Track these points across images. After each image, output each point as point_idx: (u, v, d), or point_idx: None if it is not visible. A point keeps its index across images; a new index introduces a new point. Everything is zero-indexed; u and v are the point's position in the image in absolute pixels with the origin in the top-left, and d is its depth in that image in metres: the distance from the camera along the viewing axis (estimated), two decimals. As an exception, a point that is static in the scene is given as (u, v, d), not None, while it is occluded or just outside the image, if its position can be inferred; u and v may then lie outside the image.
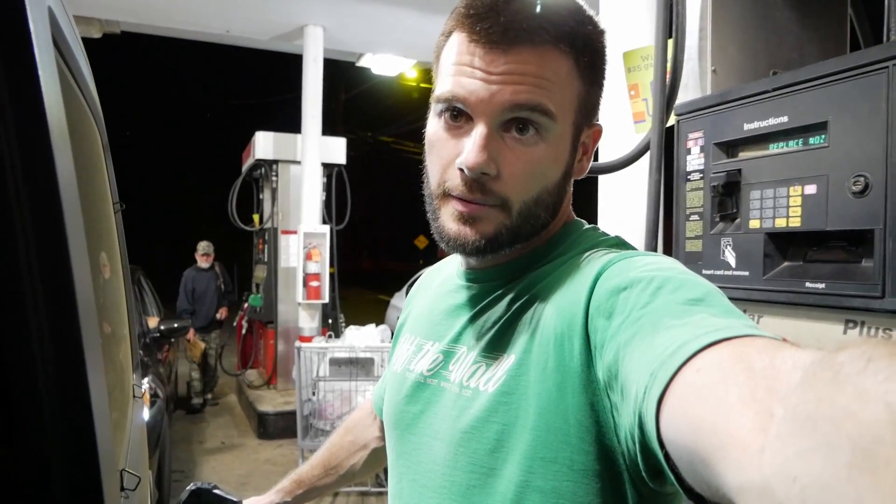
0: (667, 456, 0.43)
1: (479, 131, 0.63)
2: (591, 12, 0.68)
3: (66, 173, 0.52)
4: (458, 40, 0.65)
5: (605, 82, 0.72)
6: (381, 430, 1.01)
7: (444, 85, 0.65)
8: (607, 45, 0.71)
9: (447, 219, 0.67)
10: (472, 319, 0.72)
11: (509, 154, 0.64)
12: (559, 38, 0.63)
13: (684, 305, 0.50)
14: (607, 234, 0.73)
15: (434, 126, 0.68)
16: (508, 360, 0.65)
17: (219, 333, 6.61)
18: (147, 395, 3.35)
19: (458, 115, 0.65)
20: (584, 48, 0.65)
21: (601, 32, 0.69)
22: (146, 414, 3.18)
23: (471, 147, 0.63)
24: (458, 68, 0.64)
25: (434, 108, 0.68)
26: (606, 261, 0.62)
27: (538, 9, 0.63)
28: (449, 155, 0.66)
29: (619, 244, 0.70)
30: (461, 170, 0.64)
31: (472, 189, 0.64)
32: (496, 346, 0.67)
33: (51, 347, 0.44)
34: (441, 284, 0.83)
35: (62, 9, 0.74)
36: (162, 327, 4.49)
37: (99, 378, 0.53)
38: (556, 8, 0.64)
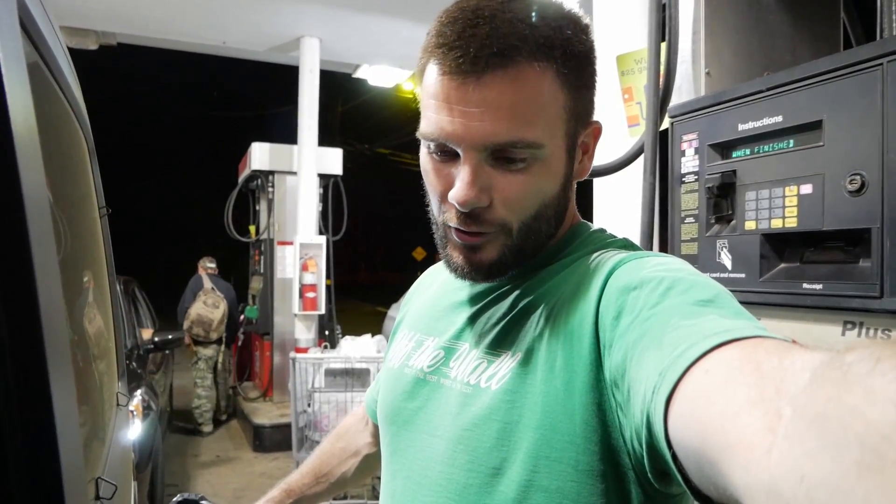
0: (674, 457, 0.43)
1: (465, 168, 0.62)
2: (569, 10, 0.65)
3: (32, 170, 0.50)
4: (433, 71, 0.62)
5: (598, 82, 0.70)
6: (374, 435, 0.99)
7: (426, 123, 0.64)
8: (596, 42, 0.68)
9: (452, 250, 0.68)
10: (475, 316, 0.72)
11: (501, 181, 0.63)
12: (534, 53, 0.59)
13: (694, 306, 0.50)
14: (615, 236, 0.73)
15: (425, 157, 0.67)
16: (513, 358, 0.64)
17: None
18: (140, 408, 3.31)
19: (446, 149, 0.64)
20: (566, 55, 0.62)
21: (583, 30, 0.65)
22: (138, 426, 3.15)
23: (459, 184, 0.62)
24: (436, 104, 0.62)
25: (422, 141, 0.67)
26: (617, 261, 0.62)
27: (509, 27, 0.59)
28: (443, 188, 0.65)
29: (628, 246, 0.70)
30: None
31: (467, 222, 0.64)
32: (500, 344, 0.66)
33: (10, 355, 0.42)
34: (444, 282, 0.82)
35: (40, 8, 0.72)
36: (156, 339, 4.47)
37: (66, 385, 0.51)
38: (529, 20, 0.60)
